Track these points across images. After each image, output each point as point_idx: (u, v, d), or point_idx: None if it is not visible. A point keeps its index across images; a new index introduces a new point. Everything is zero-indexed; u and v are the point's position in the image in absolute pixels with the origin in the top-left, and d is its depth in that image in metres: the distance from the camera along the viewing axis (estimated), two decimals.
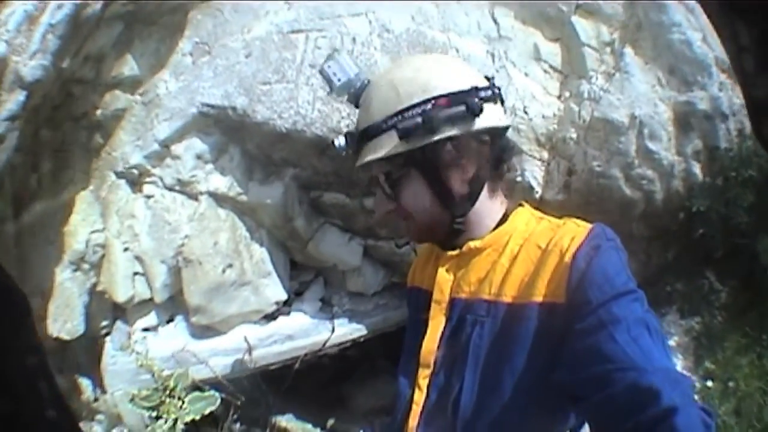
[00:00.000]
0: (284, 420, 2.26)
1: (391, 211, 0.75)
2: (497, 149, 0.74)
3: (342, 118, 1.72)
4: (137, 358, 2.09)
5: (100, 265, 2.06)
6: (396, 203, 0.74)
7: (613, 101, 2.00)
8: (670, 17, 1.97)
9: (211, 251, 1.94)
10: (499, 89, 0.73)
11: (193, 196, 1.98)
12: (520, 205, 0.79)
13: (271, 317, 2.09)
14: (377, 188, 0.76)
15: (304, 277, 2.21)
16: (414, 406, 0.76)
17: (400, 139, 0.68)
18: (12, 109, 1.53)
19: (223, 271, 1.94)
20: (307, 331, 2.05)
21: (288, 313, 2.10)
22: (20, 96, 1.54)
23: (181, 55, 2.05)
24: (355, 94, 0.76)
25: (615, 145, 1.96)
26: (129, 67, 1.98)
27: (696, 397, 0.54)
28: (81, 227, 2.02)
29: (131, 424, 2.06)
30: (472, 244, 0.74)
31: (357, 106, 0.77)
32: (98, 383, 2.08)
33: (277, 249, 2.06)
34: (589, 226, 0.68)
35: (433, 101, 0.67)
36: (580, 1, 2.04)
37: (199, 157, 1.96)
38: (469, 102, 0.67)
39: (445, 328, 0.76)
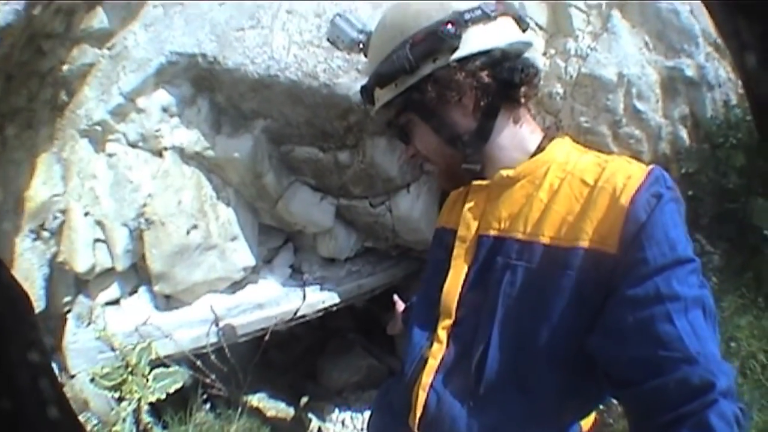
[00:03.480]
0: (256, 399, 2.10)
1: (414, 155, 0.72)
2: (503, 72, 0.63)
3: (318, 62, 1.62)
4: (96, 331, 1.96)
5: (61, 233, 1.92)
6: (415, 148, 0.71)
7: (600, 59, 1.94)
8: None
9: (175, 211, 1.80)
10: (493, 7, 0.63)
11: (157, 153, 1.85)
12: (560, 137, 0.69)
13: (238, 286, 1.94)
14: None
15: (273, 243, 2.07)
16: (431, 360, 0.65)
17: (388, 86, 0.66)
18: None
19: (188, 232, 1.80)
20: (277, 300, 1.90)
21: (256, 282, 1.96)
22: None
23: (152, 6, 1.95)
24: (364, 49, 0.76)
25: (603, 102, 1.89)
26: (99, 19, 1.88)
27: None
28: (41, 192, 1.89)
29: (98, 410, 1.92)
30: (504, 172, 0.65)
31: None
32: (63, 367, 1.92)
33: (245, 210, 1.92)
34: (644, 166, 0.58)
35: (410, 41, 0.62)
36: None
37: (165, 110, 1.84)
38: (440, 31, 0.60)
39: (469, 270, 0.65)
